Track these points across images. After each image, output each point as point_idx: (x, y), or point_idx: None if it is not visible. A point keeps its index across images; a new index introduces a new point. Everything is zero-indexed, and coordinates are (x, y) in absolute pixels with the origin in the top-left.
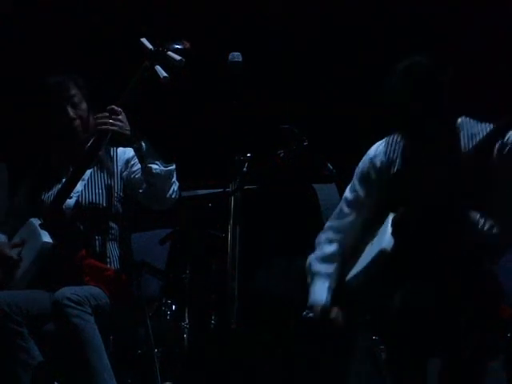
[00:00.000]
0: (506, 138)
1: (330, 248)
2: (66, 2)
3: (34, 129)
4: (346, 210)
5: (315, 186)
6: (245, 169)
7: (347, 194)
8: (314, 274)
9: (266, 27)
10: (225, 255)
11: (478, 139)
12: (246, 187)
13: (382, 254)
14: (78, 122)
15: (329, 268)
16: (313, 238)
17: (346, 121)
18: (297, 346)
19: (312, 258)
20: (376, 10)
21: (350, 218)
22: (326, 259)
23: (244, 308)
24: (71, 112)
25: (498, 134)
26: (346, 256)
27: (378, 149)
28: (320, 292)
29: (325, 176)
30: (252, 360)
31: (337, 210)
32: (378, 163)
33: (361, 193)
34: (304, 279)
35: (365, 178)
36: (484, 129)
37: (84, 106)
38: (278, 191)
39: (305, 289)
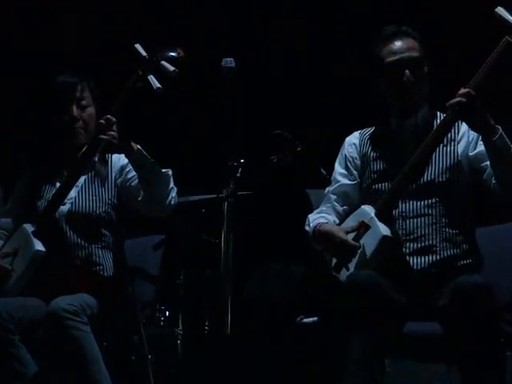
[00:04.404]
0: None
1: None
2: (67, 3)
3: (27, 136)
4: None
5: (308, 191)
6: (238, 174)
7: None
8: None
9: (259, 33)
10: (218, 261)
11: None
12: (239, 193)
13: (384, 240)
14: (80, 123)
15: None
16: (306, 243)
17: (340, 126)
18: (292, 351)
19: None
20: (375, 15)
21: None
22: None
23: (238, 314)
24: (75, 112)
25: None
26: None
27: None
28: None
29: (318, 181)
30: (246, 366)
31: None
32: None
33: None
34: (298, 284)
35: (347, 159)
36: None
37: (91, 110)
38: (272, 197)
39: (299, 294)
